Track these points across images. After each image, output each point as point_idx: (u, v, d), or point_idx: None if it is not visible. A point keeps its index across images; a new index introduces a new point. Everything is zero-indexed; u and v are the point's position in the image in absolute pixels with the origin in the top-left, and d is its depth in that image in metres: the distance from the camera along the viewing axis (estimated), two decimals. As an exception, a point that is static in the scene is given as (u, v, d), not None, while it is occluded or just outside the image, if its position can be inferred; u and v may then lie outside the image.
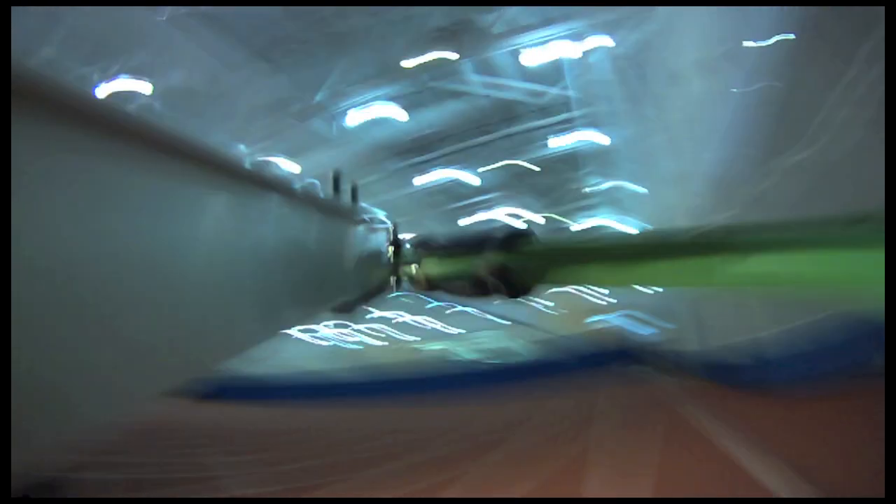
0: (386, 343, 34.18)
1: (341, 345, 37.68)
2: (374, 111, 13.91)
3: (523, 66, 12.12)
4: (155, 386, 0.60)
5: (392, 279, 1.60)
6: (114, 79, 11.76)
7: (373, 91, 13.50)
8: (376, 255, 1.53)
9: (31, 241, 0.41)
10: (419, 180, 16.22)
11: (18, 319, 0.39)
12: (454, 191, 17.35)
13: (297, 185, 1.00)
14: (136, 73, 11.83)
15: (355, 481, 6.25)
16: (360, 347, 36.82)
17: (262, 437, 12.46)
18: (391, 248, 1.66)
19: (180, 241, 0.65)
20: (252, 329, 0.87)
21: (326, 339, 36.86)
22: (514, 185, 17.06)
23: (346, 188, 1.52)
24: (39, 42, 10.91)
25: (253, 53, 13.03)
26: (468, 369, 23.70)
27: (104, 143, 0.47)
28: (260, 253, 0.94)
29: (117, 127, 0.46)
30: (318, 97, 13.75)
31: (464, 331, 28.63)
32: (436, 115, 14.20)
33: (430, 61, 12.02)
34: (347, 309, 1.27)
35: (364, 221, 1.42)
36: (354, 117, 14.09)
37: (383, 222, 1.59)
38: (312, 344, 37.93)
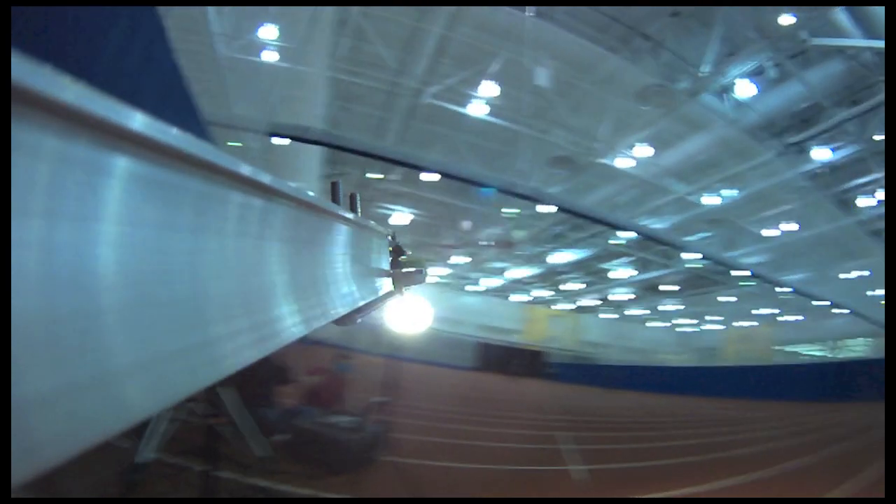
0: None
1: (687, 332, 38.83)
2: (747, 84, 12.85)
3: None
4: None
5: (393, 286, 1.57)
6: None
7: (753, 58, 12.27)
8: (377, 263, 1.49)
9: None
10: (817, 154, 14.44)
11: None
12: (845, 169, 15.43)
13: (296, 192, 0.97)
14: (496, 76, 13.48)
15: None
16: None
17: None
18: (391, 255, 1.63)
19: (174, 251, 0.63)
20: (249, 341, 0.85)
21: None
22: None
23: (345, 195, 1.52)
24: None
25: (624, 35, 13.00)
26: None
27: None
28: (258, 262, 0.92)
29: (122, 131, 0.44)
30: (704, 70, 12.80)
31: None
32: (818, 78, 12.36)
33: (806, 16, 10.41)
34: (349, 319, 1.24)
35: (364, 229, 1.39)
36: (743, 89, 13.08)
37: (383, 230, 1.56)
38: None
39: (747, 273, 21.52)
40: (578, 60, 13.11)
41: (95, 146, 0.46)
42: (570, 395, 22.65)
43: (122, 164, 0.50)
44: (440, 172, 14.24)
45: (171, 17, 5.53)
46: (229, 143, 9.40)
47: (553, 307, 39.31)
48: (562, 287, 34.56)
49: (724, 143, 14.79)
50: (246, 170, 0.78)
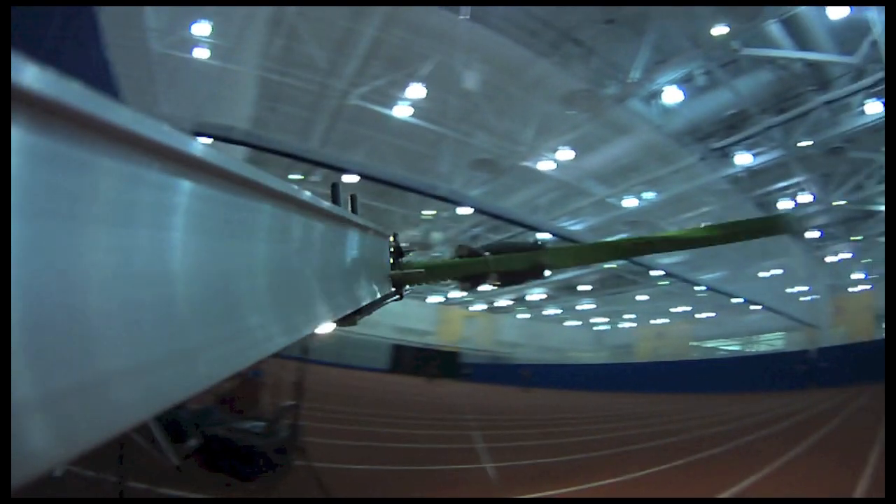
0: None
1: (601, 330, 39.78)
2: (674, 91, 13.33)
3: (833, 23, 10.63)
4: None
5: (394, 286, 1.61)
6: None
7: (683, 66, 12.66)
8: (378, 264, 1.53)
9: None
10: (740, 159, 15.21)
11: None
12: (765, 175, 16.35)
13: (296, 194, 0.99)
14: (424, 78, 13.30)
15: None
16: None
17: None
18: (393, 257, 1.68)
19: (171, 253, 0.64)
20: (249, 343, 0.85)
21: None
22: (821, 165, 15.72)
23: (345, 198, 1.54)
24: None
25: (556, 40, 12.83)
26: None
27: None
28: (257, 264, 0.93)
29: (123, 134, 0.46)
30: (633, 77, 13.02)
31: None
32: (747, 86, 12.91)
33: (737, 27, 10.88)
34: (350, 320, 1.27)
35: (365, 231, 1.42)
36: (670, 95, 13.52)
37: (385, 231, 1.60)
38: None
39: (663, 273, 22.31)
40: (508, 64, 13.15)
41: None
42: (485, 395, 22.97)
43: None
44: (360, 174, 14.17)
45: (107, 12, 5.24)
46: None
47: (468, 308, 39.66)
48: (477, 288, 34.99)
49: (648, 147, 15.31)
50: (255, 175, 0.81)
